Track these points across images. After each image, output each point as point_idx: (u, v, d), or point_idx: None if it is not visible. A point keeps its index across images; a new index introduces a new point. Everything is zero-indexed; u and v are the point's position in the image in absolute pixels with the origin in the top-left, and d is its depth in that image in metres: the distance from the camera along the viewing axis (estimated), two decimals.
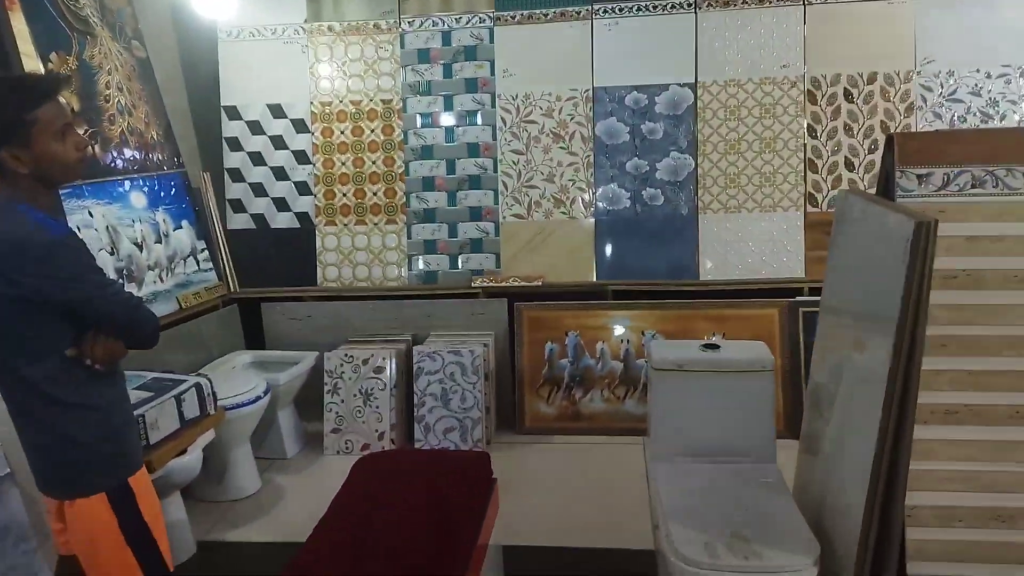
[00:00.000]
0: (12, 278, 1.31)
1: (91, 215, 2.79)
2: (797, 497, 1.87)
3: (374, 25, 3.41)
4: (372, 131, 3.45)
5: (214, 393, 2.47)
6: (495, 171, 3.40)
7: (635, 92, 3.31)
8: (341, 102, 3.45)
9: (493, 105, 3.39)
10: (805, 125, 3.22)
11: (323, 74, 3.44)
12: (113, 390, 1.50)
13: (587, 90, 3.34)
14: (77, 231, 2.66)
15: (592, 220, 3.35)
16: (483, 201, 3.41)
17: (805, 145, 3.23)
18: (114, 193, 2.93)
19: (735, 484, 1.89)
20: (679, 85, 3.28)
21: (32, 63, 2.65)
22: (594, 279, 3.33)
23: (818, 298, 2.00)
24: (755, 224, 3.26)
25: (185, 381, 2.40)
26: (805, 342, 3.07)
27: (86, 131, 2.83)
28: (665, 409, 2.03)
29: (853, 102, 3.20)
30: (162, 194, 3.19)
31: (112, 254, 2.85)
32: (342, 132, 3.46)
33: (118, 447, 1.50)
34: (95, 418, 1.44)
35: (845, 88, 3.20)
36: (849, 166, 3.22)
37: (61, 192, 2.65)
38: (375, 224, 3.48)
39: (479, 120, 3.40)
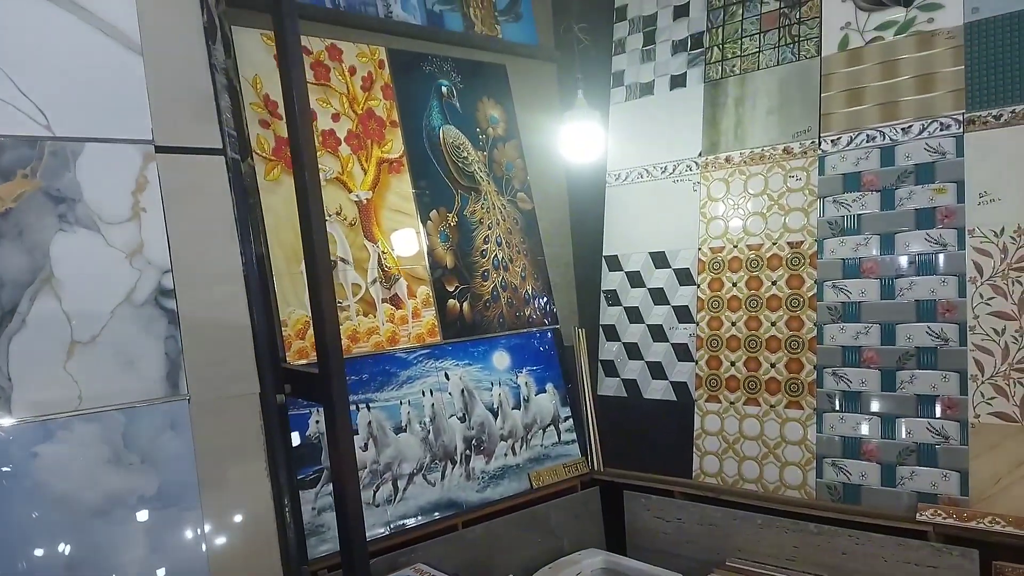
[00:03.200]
0: None
1: (447, 377, 2.68)
2: None
3: (784, 149, 2.75)
4: (773, 283, 2.72)
5: None
6: (963, 343, 2.30)
7: None
8: (735, 247, 2.82)
9: (961, 246, 2.35)
10: None
11: (715, 214, 2.88)
12: None
13: None
14: (429, 394, 2.62)
15: None
16: (940, 388, 2.32)
17: None
18: (476, 353, 2.80)
19: None
20: None
21: (410, 221, 2.73)
22: None
23: None
24: None
25: None
26: None
27: (456, 288, 2.80)
28: None
29: None
30: (529, 354, 2.98)
31: (463, 421, 2.69)
32: (734, 284, 2.81)
33: None
34: None
35: None
36: None
37: (419, 352, 2.60)
38: (771, 406, 2.67)
39: (938, 267, 2.39)
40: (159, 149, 1.63)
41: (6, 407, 1.41)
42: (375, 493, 2.37)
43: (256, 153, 2.32)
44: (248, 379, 1.66)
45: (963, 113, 2.38)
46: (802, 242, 2.66)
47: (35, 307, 1.46)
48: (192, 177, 1.68)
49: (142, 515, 1.46)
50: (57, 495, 1.43)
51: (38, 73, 1.52)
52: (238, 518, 1.59)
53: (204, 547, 1.51)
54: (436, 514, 2.49)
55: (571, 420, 3.02)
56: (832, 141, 2.64)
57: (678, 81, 3.06)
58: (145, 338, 1.53)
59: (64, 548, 1.42)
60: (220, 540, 1.55)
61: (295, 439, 2.22)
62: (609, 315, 3.13)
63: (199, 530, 1.51)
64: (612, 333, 3.12)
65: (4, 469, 1.40)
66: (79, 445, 1.44)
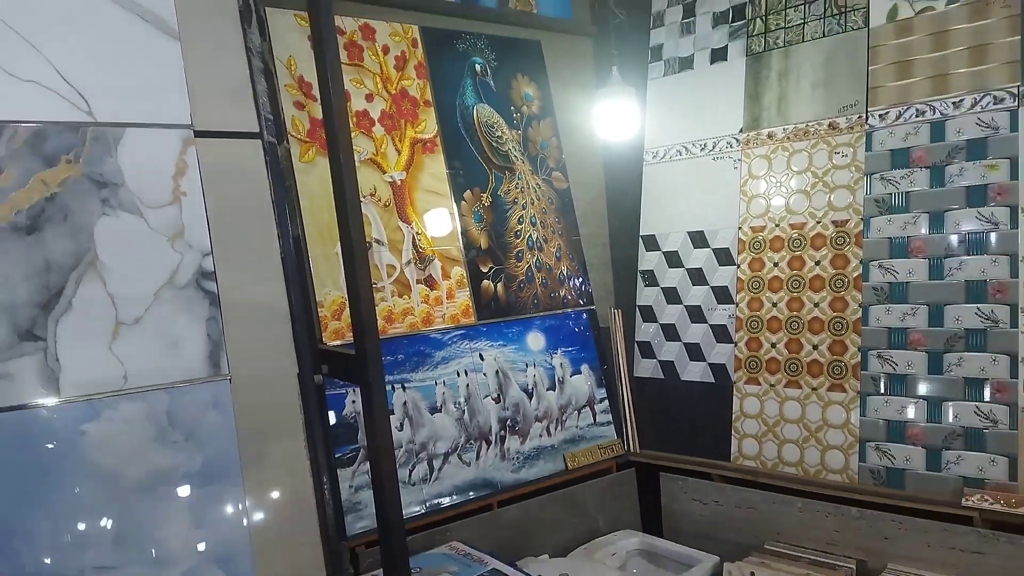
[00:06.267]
0: None
1: (482, 358, 2.71)
2: None
3: (830, 125, 2.70)
4: (817, 263, 2.68)
5: None
6: (1014, 325, 2.25)
7: None
8: (777, 226, 2.78)
9: (1014, 224, 2.29)
10: None
11: (757, 192, 2.84)
12: None
13: None
14: (464, 375, 2.66)
15: None
16: (989, 370, 2.28)
17: None
18: (510, 334, 2.83)
19: None
20: None
21: (444, 201, 2.76)
22: None
23: None
24: None
25: None
26: None
27: (490, 269, 2.82)
28: None
29: None
30: (564, 335, 2.99)
31: (498, 402, 2.72)
32: (775, 264, 2.78)
33: None
34: None
35: None
36: None
37: (454, 333, 2.64)
38: (813, 389, 2.65)
39: (989, 247, 2.33)
40: (198, 134, 1.67)
41: (54, 387, 1.48)
42: (411, 472, 2.42)
43: (291, 135, 2.36)
44: (286, 359, 1.71)
45: (1018, 86, 2.30)
46: (847, 221, 2.62)
47: (81, 290, 1.52)
48: (230, 161, 1.72)
49: (186, 491, 1.53)
50: (104, 471, 1.49)
51: (78, 59, 1.57)
52: (278, 494, 1.65)
53: (246, 522, 1.57)
54: (471, 494, 2.54)
55: (607, 402, 3.04)
56: (880, 116, 2.58)
57: (719, 55, 3.01)
58: (187, 319, 1.59)
59: (111, 522, 1.49)
60: (261, 515, 1.62)
61: (331, 418, 2.28)
62: (646, 296, 3.13)
63: (241, 505, 1.57)
64: (649, 314, 3.11)
65: (53, 446, 1.46)
66: (125, 423, 1.50)
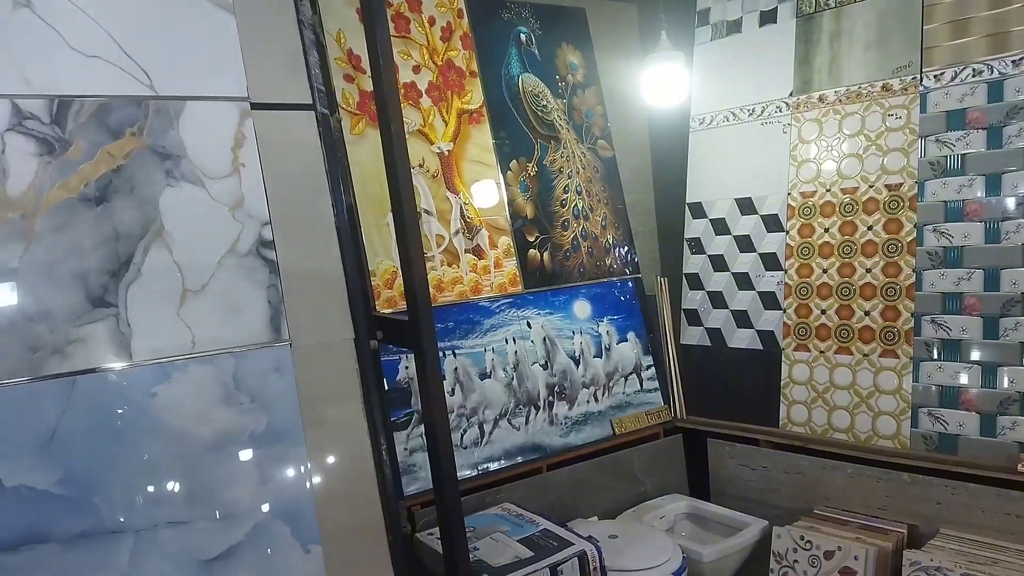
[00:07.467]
0: None
1: (529, 326, 2.72)
2: None
3: (883, 86, 2.60)
4: (869, 228, 2.60)
5: (603, 567, 2.03)
6: None
7: None
8: (828, 191, 2.71)
9: None
10: None
11: (807, 156, 2.77)
12: None
13: None
14: (512, 342, 2.66)
15: None
16: None
17: None
18: (557, 302, 2.82)
19: None
20: None
21: (491, 172, 2.74)
22: None
23: None
24: None
25: (570, 546, 2.03)
26: None
27: (536, 238, 2.81)
28: None
29: None
30: (610, 303, 2.98)
31: (546, 368, 2.73)
32: (826, 230, 2.70)
33: None
34: None
35: None
36: None
37: (502, 301, 2.64)
38: (865, 355, 2.59)
39: None
40: (254, 106, 1.68)
41: (126, 351, 1.52)
42: (462, 436, 2.45)
43: (341, 107, 2.37)
44: (343, 326, 1.73)
45: None
46: (901, 184, 2.53)
47: (148, 258, 1.56)
48: (286, 132, 1.73)
49: (252, 451, 1.57)
50: (175, 431, 1.54)
51: (139, 34, 1.58)
52: (339, 455, 1.68)
53: (308, 483, 1.61)
54: (520, 458, 2.56)
55: (653, 368, 3.02)
56: (935, 77, 2.48)
57: (768, 17, 2.92)
58: (249, 287, 1.61)
59: (183, 479, 1.53)
60: (323, 475, 1.65)
61: (385, 384, 2.30)
62: (693, 263, 3.08)
63: (304, 467, 1.61)
64: (696, 282, 3.07)
65: (127, 407, 1.51)
66: (194, 386, 1.54)
